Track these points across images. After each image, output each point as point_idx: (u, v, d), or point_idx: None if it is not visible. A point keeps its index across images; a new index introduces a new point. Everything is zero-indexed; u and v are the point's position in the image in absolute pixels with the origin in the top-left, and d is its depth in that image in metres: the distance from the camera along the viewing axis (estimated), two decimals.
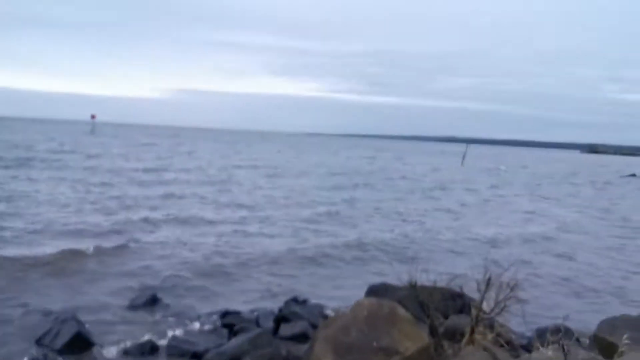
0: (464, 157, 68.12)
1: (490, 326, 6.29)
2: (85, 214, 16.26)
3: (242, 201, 21.41)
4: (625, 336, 5.24)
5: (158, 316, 8.39)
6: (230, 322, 8.02)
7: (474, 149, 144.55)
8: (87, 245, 11.98)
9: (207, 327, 8.04)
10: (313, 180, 32.63)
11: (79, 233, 13.58)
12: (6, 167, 27.45)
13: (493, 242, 15.98)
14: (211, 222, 16.41)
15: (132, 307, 8.74)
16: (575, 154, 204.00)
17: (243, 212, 18.50)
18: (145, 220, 15.76)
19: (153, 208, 18.11)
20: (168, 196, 21.25)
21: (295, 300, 8.73)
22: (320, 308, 8.78)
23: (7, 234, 12.75)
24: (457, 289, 7.50)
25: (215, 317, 8.30)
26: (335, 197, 24.39)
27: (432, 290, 6.90)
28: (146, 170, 30.97)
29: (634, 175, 56.88)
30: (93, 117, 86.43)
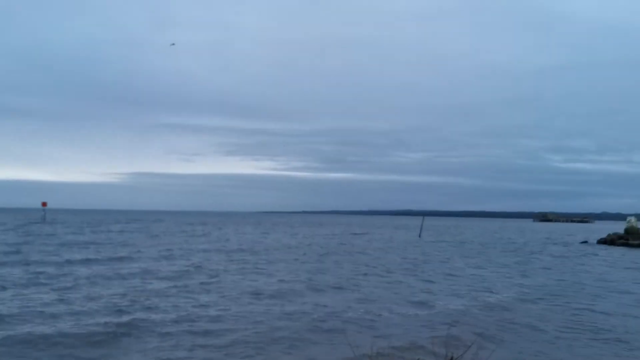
0: (421, 230, 70.38)
1: None
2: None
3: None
4: None
5: None
6: None
7: (430, 221, 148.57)
8: None
9: None
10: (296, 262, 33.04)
11: None
12: None
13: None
14: None
15: None
16: (528, 223, 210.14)
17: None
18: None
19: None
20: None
21: None
22: None
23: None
24: None
25: None
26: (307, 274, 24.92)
27: None
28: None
29: (585, 242, 59.12)
30: (44, 204, 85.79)
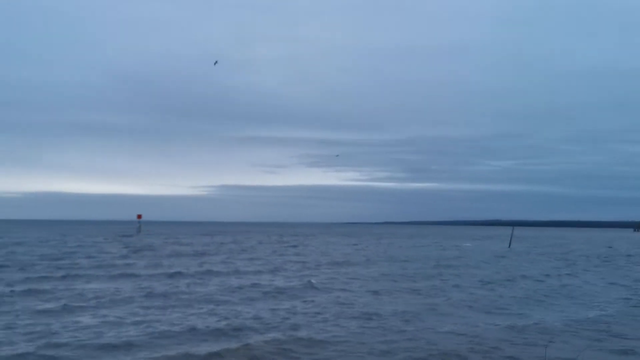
0: (510, 241, 67.96)
1: None
2: None
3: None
4: None
5: None
6: None
7: (519, 231, 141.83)
8: None
9: None
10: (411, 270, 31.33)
11: None
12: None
13: None
14: None
15: None
16: (628, 232, 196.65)
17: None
18: None
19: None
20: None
21: None
22: None
23: None
24: None
25: None
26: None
27: None
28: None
29: None
30: (139, 217, 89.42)
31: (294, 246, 57.78)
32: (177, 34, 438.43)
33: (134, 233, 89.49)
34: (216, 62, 78.33)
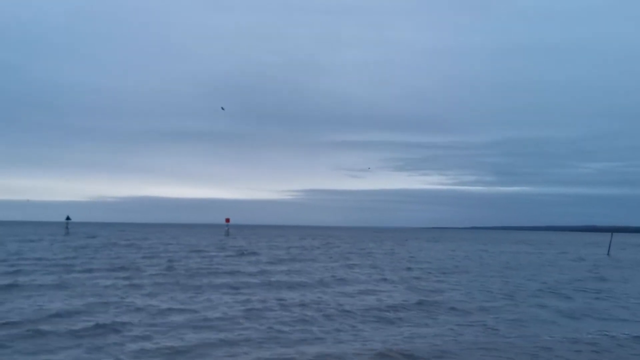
0: (609, 247, 64.25)
1: None
2: None
3: None
4: None
5: None
6: None
7: (619, 237, 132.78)
8: None
9: None
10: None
11: None
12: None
13: None
14: None
15: None
16: None
17: None
18: None
19: None
20: None
21: None
22: None
23: None
24: None
25: None
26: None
27: None
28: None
29: None
30: (227, 220, 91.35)
31: (389, 251, 56.81)
32: (262, 41, 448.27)
33: (222, 236, 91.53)
34: (223, 108, 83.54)
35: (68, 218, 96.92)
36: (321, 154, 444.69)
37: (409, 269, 35.53)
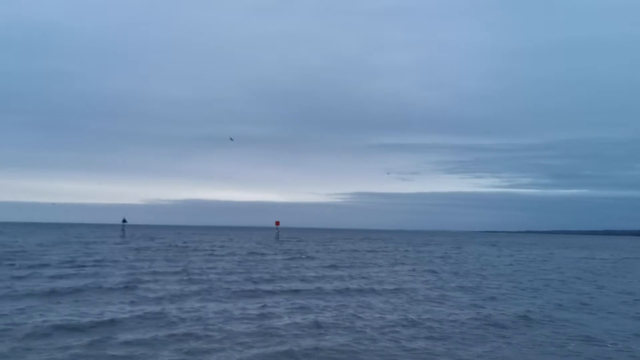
0: None
1: None
2: None
3: None
4: None
5: None
6: None
7: None
8: None
9: None
10: None
11: None
12: None
13: None
14: None
15: None
16: None
17: None
18: None
19: None
20: None
21: None
22: None
23: None
24: None
25: None
26: None
27: None
28: None
29: None
30: (277, 223, 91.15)
31: (445, 257, 54.93)
32: (310, 45, 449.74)
33: (273, 239, 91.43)
34: (231, 138, 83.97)
35: (124, 221, 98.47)
36: (370, 157, 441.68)
37: (482, 277, 33.79)
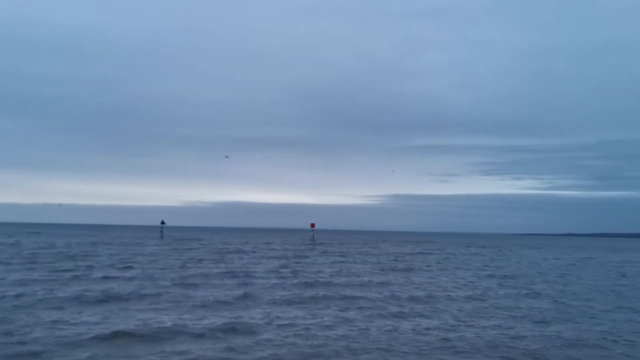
0: None
1: None
2: None
3: None
4: None
5: None
6: None
7: None
8: None
9: None
10: None
11: None
12: None
13: None
14: None
15: None
16: None
17: None
18: None
19: None
20: None
21: None
22: None
23: None
24: None
25: None
26: None
27: None
28: None
29: None
30: (313, 225, 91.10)
31: (501, 262, 52.40)
32: (349, 47, 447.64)
33: (309, 240, 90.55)
34: (227, 156, 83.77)
35: (163, 222, 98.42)
36: (406, 159, 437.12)
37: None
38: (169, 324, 14.74)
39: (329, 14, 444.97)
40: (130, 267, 30.83)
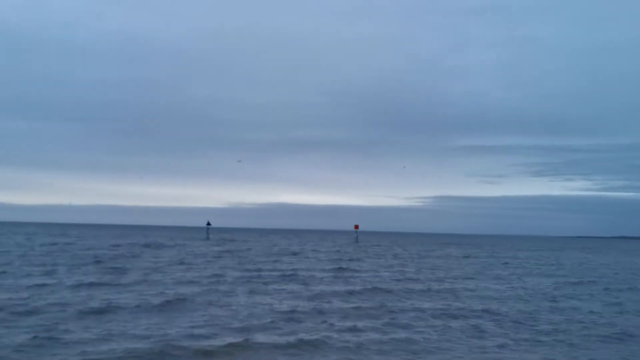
0: None
1: None
2: None
3: None
4: None
5: None
6: None
7: None
8: None
9: None
10: None
11: None
12: None
13: None
14: None
15: None
16: None
17: None
18: None
19: None
20: None
21: None
22: None
23: None
24: None
25: None
26: None
27: None
28: None
29: None
30: (356, 227, 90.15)
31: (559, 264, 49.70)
32: (392, 47, 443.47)
33: (352, 242, 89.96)
34: (239, 160, 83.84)
35: (208, 223, 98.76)
36: (452, 160, 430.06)
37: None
38: None
39: (372, 15, 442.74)
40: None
